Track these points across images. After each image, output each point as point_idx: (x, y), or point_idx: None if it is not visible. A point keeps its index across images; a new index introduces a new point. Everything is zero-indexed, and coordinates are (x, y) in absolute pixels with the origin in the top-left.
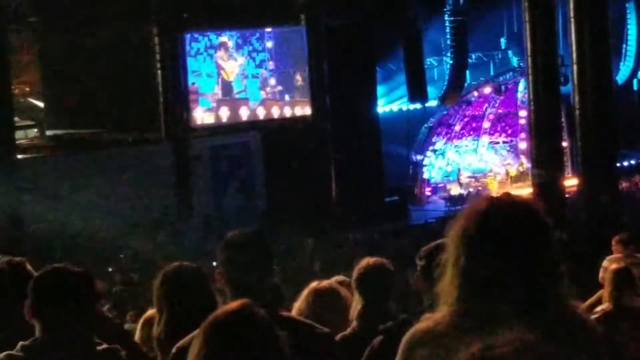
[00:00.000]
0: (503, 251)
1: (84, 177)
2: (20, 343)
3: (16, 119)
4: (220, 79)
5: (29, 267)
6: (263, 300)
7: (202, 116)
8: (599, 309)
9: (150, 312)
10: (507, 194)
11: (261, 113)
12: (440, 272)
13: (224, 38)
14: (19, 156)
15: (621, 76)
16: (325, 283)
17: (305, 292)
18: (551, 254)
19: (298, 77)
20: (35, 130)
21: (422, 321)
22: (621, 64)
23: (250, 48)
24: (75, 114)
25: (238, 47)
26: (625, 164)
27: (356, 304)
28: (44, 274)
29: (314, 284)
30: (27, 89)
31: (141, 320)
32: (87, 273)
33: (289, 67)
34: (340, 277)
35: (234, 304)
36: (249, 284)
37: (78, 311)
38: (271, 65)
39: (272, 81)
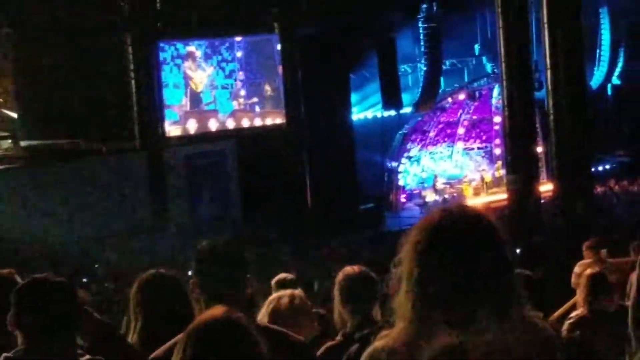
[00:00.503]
0: (455, 263)
1: (59, 188)
2: (3, 355)
3: None
4: (188, 90)
5: (18, 278)
6: (237, 309)
7: (169, 129)
8: (573, 314)
9: None
10: (460, 206)
11: (231, 125)
12: (396, 286)
13: (191, 48)
14: None
15: (595, 81)
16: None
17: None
18: (504, 264)
19: (267, 88)
20: (9, 141)
21: (380, 338)
22: (595, 69)
23: (220, 58)
24: (49, 124)
25: (207, 57)
26: (600, 168)
27: (339, 313)
28: (25, 284)
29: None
30: (1, 99)
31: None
32: (68, 283)
33: (259, 78)
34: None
35: (216, 311)
36: (223, 293)
37: (59, 322)
38: (241, 75)
39: (243, 92)
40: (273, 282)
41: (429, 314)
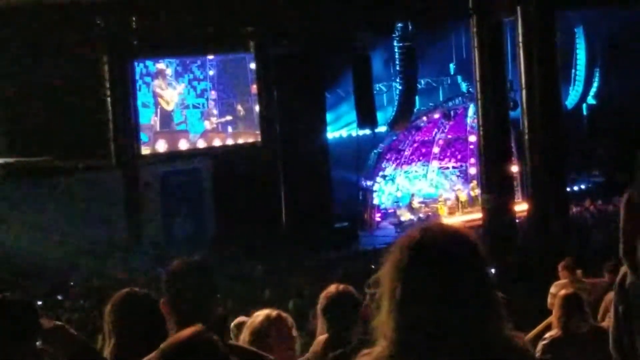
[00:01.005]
0: (438, 281)
1: (34, 205)
2: None
3: None
4: (158, 109)
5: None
6: (208, 328)
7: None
8: (547, 335)
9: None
10: (440, 224)
11: (202, 145)
12: (376, 305)
13: (161, 65)
14: None
15: (570, 101)
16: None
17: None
18: (486, 282)
19: (239, 108)
20: None
21: (360, 357)
22: (570, 88)
23: (191, 76)
24: (24, 141)
25: (178, 75)
26: (576, 188)
27: (321, 331)
28: None
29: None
30: None
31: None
32: (30, 302)
33: (231, 97)
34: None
35: (188, 331)
36: (193, 312)
37: (20, 342)
38: (213, 94)
39: (215, 111)
40: (232, 324)
41: (411, 334)
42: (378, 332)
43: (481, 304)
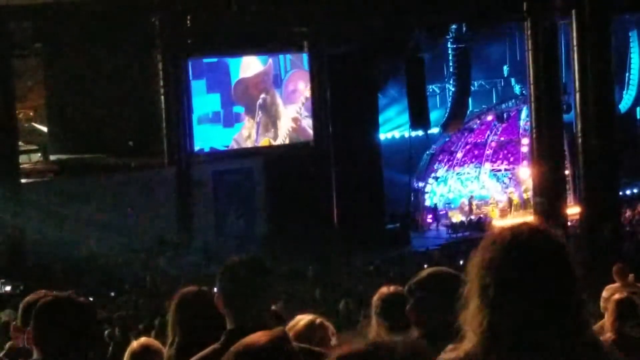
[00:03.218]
0: (532, 279)
1: (87, 202)
2: None
3: (20, 143)
4: None
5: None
6: (262, 326)
7: None
8: (600, 338)
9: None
10: (528, 223)
11: None
12: (464, 302)
13: None
14: (23, 180)
15: (624, 104)
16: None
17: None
18: (576, 282)
19: None
20: (39, 154)
21: (448, 352)
22: (624, 92)
23: None
24: (78, 138)
25: None
26: (628, 192)
27: (377, 333)
28: (48, 304)
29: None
30: (32, 113)
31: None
32: (90, 303)
33: None
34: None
35: (265, 334)
36: (247, 309)
37: (78, 342)
38: None
39: None
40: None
41: (503, 331)
42: (465, 328)
43: (572, 304)
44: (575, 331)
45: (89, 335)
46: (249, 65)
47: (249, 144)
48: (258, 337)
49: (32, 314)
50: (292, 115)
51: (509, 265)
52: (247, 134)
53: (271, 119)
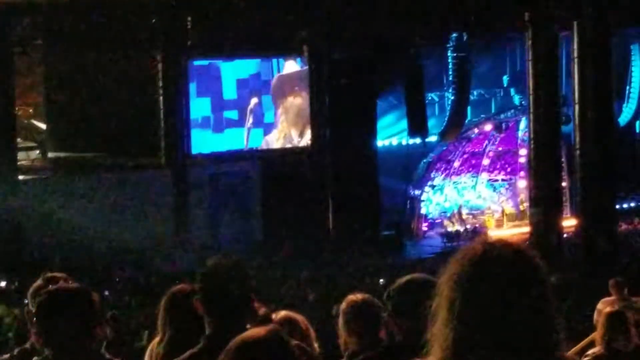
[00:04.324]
0: (500, 297)
1: (83, 200)
2: (34, 358)
3: (19, 140)
4: None
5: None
6: (241, 328)
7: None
8: (590, 352)
9: None
10: (501, 239)
11: None
12: (433, 315)
13: None
14: (21, 177)
15: (623, 118)
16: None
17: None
18: (547, 301)
19: None
20: (37, 151)
21: None
22: (624, 105)
23: None
24: (77, 137)
25: None
26: (625, 206)
27: (345, 341)
28: (47, 293)
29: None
30: (31, 110)
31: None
32: (87, 288)
33: None
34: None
35: (261, 329)
36: (227, 314)
37: (83, 328)
38: None
39: None
40: None
41: (468, 347)
42: (432, 342)
43: (540, 325)
44: (540, 352)
45: (95, 320)
46: (289, 65)
47: (276, 147)
48: (256, 331)
49: (36, 309)
50: None
51: (477, 281)
52: (278, 136)
53: (302, 122)
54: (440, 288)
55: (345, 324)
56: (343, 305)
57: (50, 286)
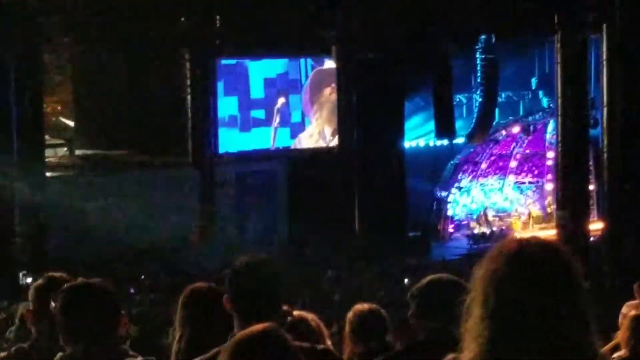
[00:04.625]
0: (534, 294)
1: (110, 198)
2: (60, 354)
3: (46, 137)
4: None
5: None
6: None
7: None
8: (615, 355)
9: None
10: (536, 237)
11: None
12: (467, 311)
13: None
14: (48, 174)
15: None
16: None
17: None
18: (581, 299)
19: None
20: (65, 149)
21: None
22: None
23: None
24: (104, 134)
25: None
26: None
27: (350, 348)
28: (72, 289)
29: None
30: (59, 107)
31: None
32: (107, 284)
33: None
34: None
35: (260, 326)
36: (254, 310)
37: (110, 324)
38: None
39: None
40: None
41: (503, 343)
42: (466, 337)
43: (575, 321)
44: (575, 349)
45: (119, 316)
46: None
47: (310, 144)
48: (254, 328)
49: (60, 306)
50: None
51: (512, 278)
52: (312, 132)
53: (336, 119)
54: (475, 284)
55: (351, 333)
56: (350, 315)
57: (65, 284)
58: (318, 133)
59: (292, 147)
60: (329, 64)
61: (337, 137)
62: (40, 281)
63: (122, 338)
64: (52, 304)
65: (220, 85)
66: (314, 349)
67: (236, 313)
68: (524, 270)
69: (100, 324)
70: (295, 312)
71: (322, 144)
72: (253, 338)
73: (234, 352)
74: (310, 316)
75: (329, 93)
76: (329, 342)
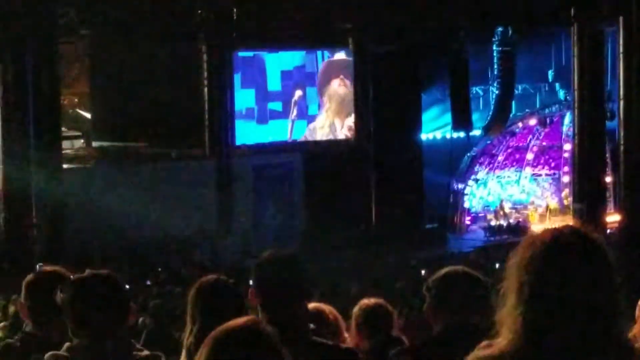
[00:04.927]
0: (567, 280)
1: (127, 190)
2: (67, 344)
3: (63, 129)
4: None
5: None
6: (296, 322)
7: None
8: None
9: None
10: (570, 226)
11: None
12: (502, 299)
13: None
14: (65, 166)
15: None
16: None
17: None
18: (615, 287)
19: None
20: (82, 141)
21: (482, 348)
22: None
23: None
24: (121, 126)
25: None
26: None
27: (354, 342)
28: (80, 280)
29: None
30: (76, 100)
31: None
32: (115, 275)
33: None
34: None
35: (241, 319)
36: (281, 304)
37: (118, 316)
38: None
39: None
40: None
41: (539, 330)
42: (501, 324)
43: (608, 308)
44: (609, 335)
45: (128, 309)
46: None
47: (321, 136)
48: (234, 321)
49: (70, 298)
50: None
51: (546, 265)
52: (322, 124)
53: (344, 113)
54: (509, 272)
55: (357, 328)
56: (356, 310)
57: (51, 280)
58: (329, 126)
59: (304, 136)
60: (340, 55)
61: (348, 130)
62: (31, 276)
63: (131, 330)
64: (59, 295)
65: (237, 78)
66: (337, 348)
67: (262, 307)
68: (559, 258)
69: (107, 316)
70: (312, 305)
71: (332, 137)
72: (234, 333)
73: (213, 348)
74: (327, 308)
75: (337, 85)
76: (346, 335)
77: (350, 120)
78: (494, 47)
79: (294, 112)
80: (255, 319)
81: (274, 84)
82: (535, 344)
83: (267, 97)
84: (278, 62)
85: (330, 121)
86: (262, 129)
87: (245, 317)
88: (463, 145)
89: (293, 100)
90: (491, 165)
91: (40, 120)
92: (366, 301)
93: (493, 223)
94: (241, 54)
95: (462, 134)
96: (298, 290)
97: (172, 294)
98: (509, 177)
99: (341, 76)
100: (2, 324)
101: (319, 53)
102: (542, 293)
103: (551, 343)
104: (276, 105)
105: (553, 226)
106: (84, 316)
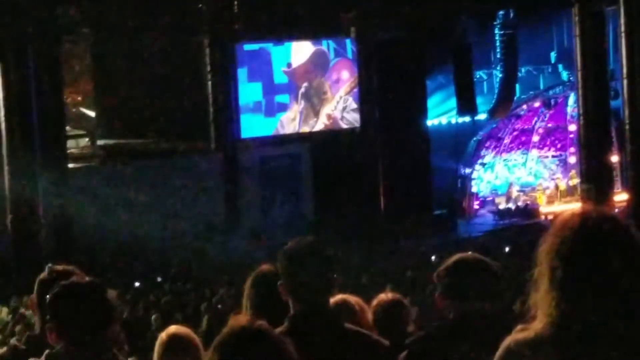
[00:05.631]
0: (601, 264)
1: (134, 187)
2: (47, 351)
3: (68, 128)
4: None
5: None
6: (324, 311)
7: None
8: None
9: None
10: (598, 209)
11: None
12: (534, 284)
13: None
14: (70, 165)
15: None
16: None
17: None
18: None
19: None
20: (86, 139)
21: (518, 331)
22: None
23: None
24: (125, 124)
25: None
26: None
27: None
28: (62, 288)
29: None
30: (80, 98)
31: None
32: (101, 284)
33: None
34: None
35: (242, 320)
36: (309, 295)
37: (99, 324)
38: None
39: None
40: None
41: (573, 313)
42: (535, 309)
43: (638, 292)
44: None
45: (110, 315)
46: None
47: (291, 129)
48: (238, 321)
49: (50, 303)
50: (327, 112)
51: (577, 249)
52: (293, 116)
53: (314, 109)
54: (540, 258)
55: (374, 323)
56: (374, 304)
57: (63, 278)
58: (301, 117)
59: (274, 131)
60: (299, 54)
61: (321, 121)
62: (45, 273)
63: (115, 342)
64: (46, 299)
65: (243, 72)
66: (369, 337)
67: (290, 296)
68: (589, 242)
69: (87, 323)
70: (338, 296)
71: (306, 128)
72: (239, 330)
73: (220, 345)
74: (354, 299)
75: (303, 71)
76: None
77: (329, 109)
78: (496, 31)
79: (301, 104)
80: (254, 320)
81: (280, 76)
82: (568, 327)
83: (274, 90)
84: (284, 55)
85: (304, 113)
86: (270, 121)
87: (244, 317)
88: (469, 130)
89: (300, 92)
90: (497, 149)
91: (45, 120)
92: (383, 296)
93: (502, 207)
94: (246, 47)
95: (467, 119)
96: (325, 277)
97: (184, 291)
98: (515, 160)
99: (306, 80)
100: (18, 327)
101: (324, 42)
102: (573, 278)
103: (585, 327)
104: (283, 98)
105: (581, 209)
106: (61, 324)
